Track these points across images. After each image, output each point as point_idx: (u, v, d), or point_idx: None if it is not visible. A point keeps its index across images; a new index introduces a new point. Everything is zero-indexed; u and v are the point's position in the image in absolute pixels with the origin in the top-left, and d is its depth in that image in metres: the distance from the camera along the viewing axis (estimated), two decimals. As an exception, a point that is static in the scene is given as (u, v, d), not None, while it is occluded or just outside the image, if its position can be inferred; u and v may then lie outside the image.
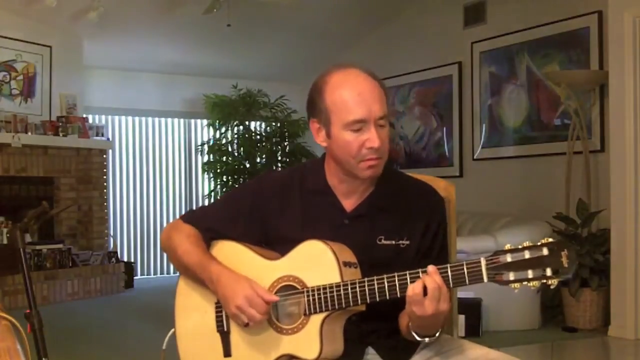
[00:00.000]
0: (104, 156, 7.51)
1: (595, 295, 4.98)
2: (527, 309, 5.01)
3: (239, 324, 1.80)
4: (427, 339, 1.72)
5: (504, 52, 6.36)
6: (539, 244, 1.54)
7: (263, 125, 8.28)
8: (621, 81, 4.76)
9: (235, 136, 7.83)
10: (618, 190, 4.79)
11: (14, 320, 1.91)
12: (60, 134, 6.91)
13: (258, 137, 7.97)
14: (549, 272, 1.52)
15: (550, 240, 1.54)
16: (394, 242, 1.81)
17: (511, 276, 1.54)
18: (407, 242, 1.81)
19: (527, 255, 1.54)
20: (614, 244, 4.81)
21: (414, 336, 1.71)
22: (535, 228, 5.10)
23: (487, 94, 6.54)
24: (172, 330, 1.96)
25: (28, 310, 1.86)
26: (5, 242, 6.28)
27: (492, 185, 6.47)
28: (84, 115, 7.34)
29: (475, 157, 6.68)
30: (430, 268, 1.61)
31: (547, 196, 5.87)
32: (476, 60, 6.64)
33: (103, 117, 8.16)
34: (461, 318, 4.66)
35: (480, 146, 6.62)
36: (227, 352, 1.85)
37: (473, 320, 4.78)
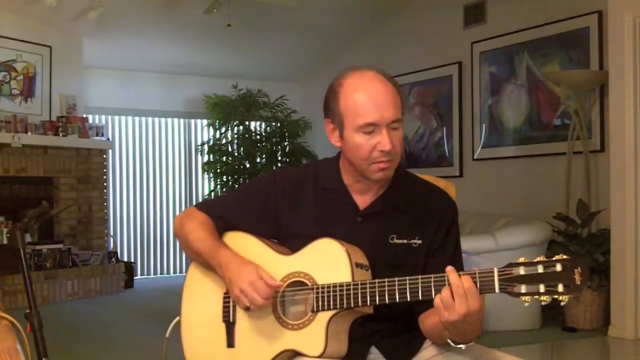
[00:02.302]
0: (104, 156, 7.51)
1: (596, 295, 4.98)
2: (528, 309, 4.95)
3: (241, 307, 1.81)
4: (463, 346, 1.68)
5: (504, 52, 6.36)
6: (553, 259, 1.54)
7: (263, 125, 8.28)
8: (621, 81, 4.76)
9: (235, 136, 7.83)
10: (618, 190, 4.79)
11: (14, 320, 1.91)
12: (60, 134, 6.91)
13: (258, 137, 7.97)
14: (560, 288, 1.51)
15: (565, 257, 1.53)
16: (405, 241, 1.82)
17: (523, 289, 1.54)
18: (420, 242, 1.83)
19: (540, 269, 1.53)
20: (614, 244, 4.81)
21: (449, 343, 1.68)
22: (535, 228, 5.10)
23: (487, 94, 6.55)
24: (177, 318, 1.97)
25: (28, 310, 1.86)
26: (5, 242, 6.28)
27: (492, 185, 6.48)
28: (84, 115, 7.35)
29: (475, 157, 6.68)
30: (452, 268, 1.59)
31: (547, 196, 5.87)
32: (476, 60, 6.64)
33: (103, 117, 8.16)
34: (461, 318, 4.66)
35: (480, 146, 6.62)
36: (230, 342, 1.86)
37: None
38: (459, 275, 1.57)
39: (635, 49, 4.71)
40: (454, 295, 1.56)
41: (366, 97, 1.75)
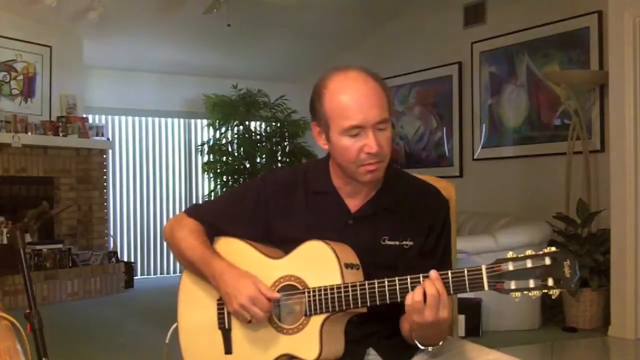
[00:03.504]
0: (104, 156, 7.51)
1: (595, 295, 4.98)
2: (527, 309, 5.01)
3: (241, 321, 1.80)
4: (430, 348, 1.72)
5: (504, 52, 6.36)
6: (541, 253, 1.53)
7: (263, 125, 8.28)
8: (621, 81, 4.76)
9: (235, 136, 7.83)
10: (618, 190, 4.79)
11: (14, 320, 1.91)
12: (60, 134, 6.91)
13: (258, 137, 7.97)
14: (550, 282, 1.50)
15: (553, 249, 1.53)
16: (397, 242, 1.81)
17: (512, 285, 1.53)
18: (411, 243, 1.81)
19: (529, 264, 1.53)
20: (614, 244, 4.80)
21: (417, 344, 1.72)
22: (535, 228, 5.10)
23: (487, 94, 6.55)
24: (175, 324, 1.96)
25: (28, 310, 1.86)
26: (5, 242, 6.28)
27: (492, 185, 6.47)
28: (84, 115, 7.34)
29: (475, 157, 6.68)
30: (433, 274, 1.60)
31: (547, 196, 5.87)
32: (476, 60, 6.64)
33: (103, 117, 8.16)
34: (461, 318, 4.66)
35: (480, 146, 6.62)
36: (227, 349, 1.85)
37: (473, 320, 4.78)
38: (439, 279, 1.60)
39: (635, 49, 4.71)
40: (425, 302, 1.58)
41: (350, 99, 1.72)
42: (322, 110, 1.77)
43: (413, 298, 1.59)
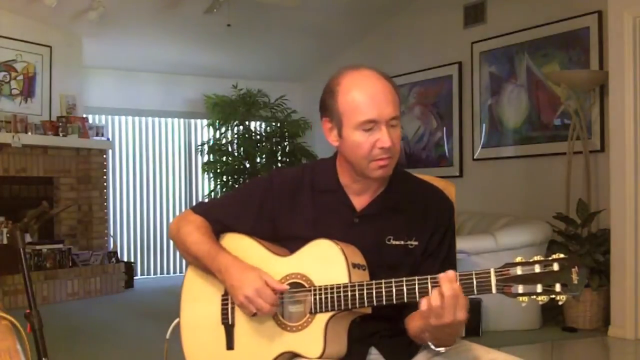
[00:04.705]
0: (104, 156, 7.51)
1: (595, 295, 4.98)
2: (527, 308, 4.99)
3: (247, 314, 1.80)
4: (442, 349, 1.71)
5: (504, 52, 6.36)
6: (550, 258, 1.53)
7: (263, 125, 8.28)
8: (621, 81, 4.76)
9: (235, 136, 7.83)
10: (618, 190, 4.79)
11: (14, 320, 1.92)
12: (60, 134, 6.91)
13: (258, 137, 7.98)
14: (558, 287, 1.51)
15: (562, 256, 1.53)
16: (402, 242, 1.82)
17: (520, 289, 1.53)
18: (416, 243, 1.82)
19: (537, 269, 1.53)
20: (614, 244, 4.81)
21: (429, 345, 1.71)
22: (535, 228, 5.10)
23: (487, 94, 6.54)
24: (177, 320, 1.97)
25: (28, 310, 1.87)
26: (5, 242, 6.28)
27: (492, 185, 6.47)
28: (84, 115, 7.35)
29: (475, 157, 6.68)
30: (451, 274, 1.58)
31: (547, 196, 5.87)
32: (476, 60, 6.64)
33: (103, 117, 8.16)
34: (461, 318, 4.66)
35: (480, 146, 6.61)
36: (230, 345, 1.86)
37: (473, 320, 4.78)
38: (455, 282, 1.58)
39: (635, 49, 4.71)
40: (444, 304, 1.56)
41: (365, 94, 1.75)
42: (335, 105, 1.79)
43: (431, 303, 1.57)
